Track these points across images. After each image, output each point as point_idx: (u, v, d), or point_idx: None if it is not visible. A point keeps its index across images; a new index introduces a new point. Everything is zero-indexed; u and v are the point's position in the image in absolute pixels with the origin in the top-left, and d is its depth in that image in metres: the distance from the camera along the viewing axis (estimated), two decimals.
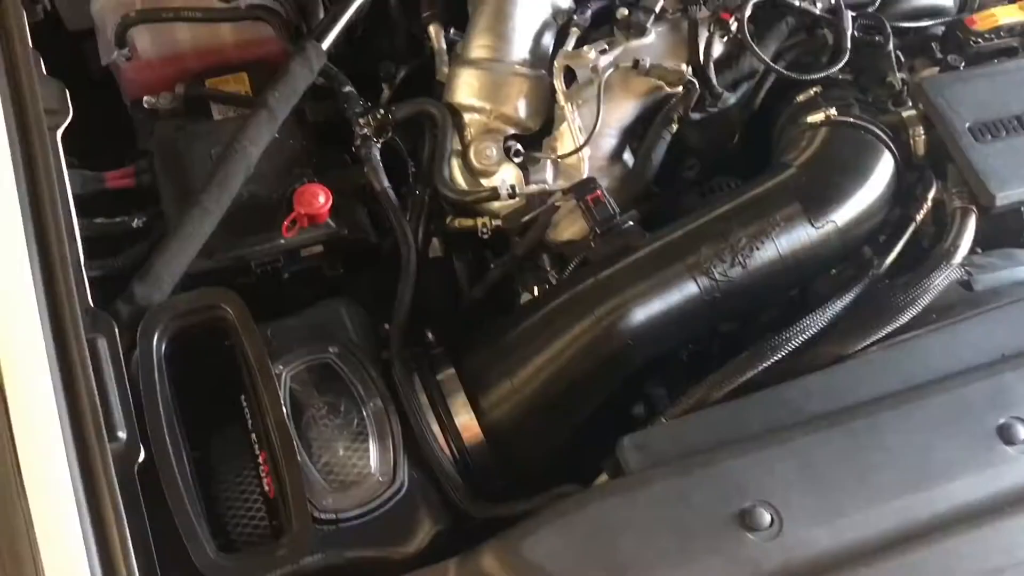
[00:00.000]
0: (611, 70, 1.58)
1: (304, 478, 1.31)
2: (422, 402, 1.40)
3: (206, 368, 1.38)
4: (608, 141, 1.61)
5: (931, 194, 1.45)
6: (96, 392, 1.23)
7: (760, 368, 1.30)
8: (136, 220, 1.52)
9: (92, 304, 1.32)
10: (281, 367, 1.39)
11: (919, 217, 1.45)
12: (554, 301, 1.43)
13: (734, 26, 1.61)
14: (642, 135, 1.64)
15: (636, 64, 1.57)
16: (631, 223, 1.45)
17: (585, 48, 1.59)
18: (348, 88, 1.63)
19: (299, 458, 1.28)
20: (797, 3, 1.66)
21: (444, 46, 1.74)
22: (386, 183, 1.55)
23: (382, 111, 1.60)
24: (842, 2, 1.65)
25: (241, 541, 1.32)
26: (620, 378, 1.43)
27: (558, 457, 1.49)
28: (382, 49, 1.83)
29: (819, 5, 1.67)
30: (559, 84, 1.57)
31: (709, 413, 1.29)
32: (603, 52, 1.59)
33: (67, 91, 1.46)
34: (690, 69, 1.60)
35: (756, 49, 1.59)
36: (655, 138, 1.59)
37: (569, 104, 1.57)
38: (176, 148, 1.58)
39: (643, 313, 1.37)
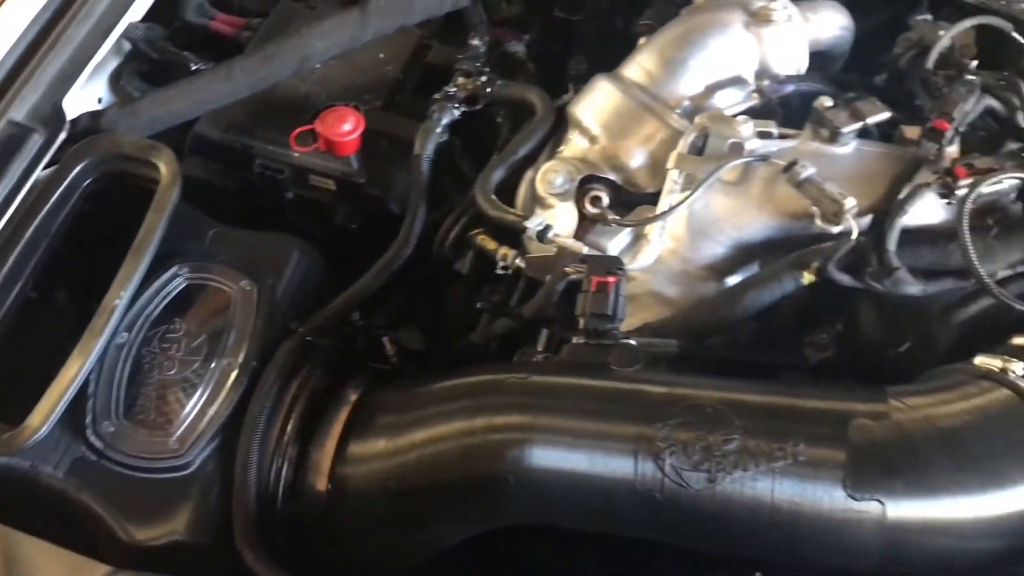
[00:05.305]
0: (756, 161, 1.14)
1: (100, 387, 1.10)
2: (284, 399, 1.11)
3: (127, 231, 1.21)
4: (712, 247, 1.17)
5: None
6: None
7: None
8: (197, 64, 1.38)
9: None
10: (187, 269, 1.19)
11: None
12: (475, 376, 1.06)
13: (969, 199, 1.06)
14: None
15: (789, 167, 1.11)
16: (633, 343, 1.02)
17: (741, 118, 1.15)
18: (477, 41, 1.34)
19: (93, 363, 1.05)
20: None
21: None
22: (427, 152, 1.25)
23: (485, 78, 1.30)
24: None
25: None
26: (491, 519, 1.02)
27: None
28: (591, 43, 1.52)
29: None
30: (682, 142, 1.16)
31: None
32: (763, 135, 1.14)
33: None
34: (864, 219, 1.10)
35: (970, 249, 1.03)
36: (769, 279, 1.11)
37: (677, 170, 1.15)
38: (287, 22, 1.42)
39: (543, 457, 0.95)
